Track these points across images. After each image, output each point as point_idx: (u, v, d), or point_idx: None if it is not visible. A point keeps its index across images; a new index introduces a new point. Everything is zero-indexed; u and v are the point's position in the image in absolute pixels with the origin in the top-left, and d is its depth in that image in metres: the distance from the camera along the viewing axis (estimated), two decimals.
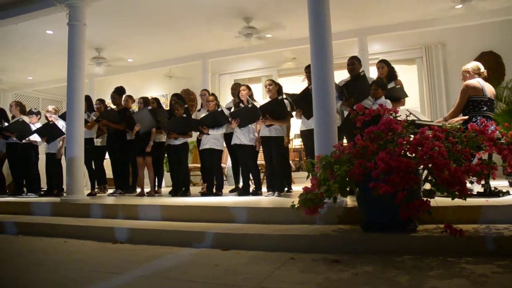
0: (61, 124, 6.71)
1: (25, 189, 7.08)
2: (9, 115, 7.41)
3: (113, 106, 6.71)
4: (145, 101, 6.31)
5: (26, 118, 7.02)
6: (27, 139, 6.86)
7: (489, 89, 4.23)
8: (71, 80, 5.48)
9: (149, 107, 6.12)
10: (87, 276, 2.57)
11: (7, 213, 5.31)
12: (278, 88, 5.32)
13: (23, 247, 3.67)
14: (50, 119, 6.85)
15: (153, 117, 5.96)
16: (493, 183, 4.05)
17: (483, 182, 3.55)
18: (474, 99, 4.16)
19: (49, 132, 6.66)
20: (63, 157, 6.58)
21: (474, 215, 3.14)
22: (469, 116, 4.16)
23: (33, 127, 6.89)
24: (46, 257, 3.20)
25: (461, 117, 4.27)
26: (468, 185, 2.97)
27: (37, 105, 11.12)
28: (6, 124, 7.13)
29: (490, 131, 3.18)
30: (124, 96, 6.74)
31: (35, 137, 6.91)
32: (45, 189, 7.00)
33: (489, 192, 3.83)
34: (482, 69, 4.38)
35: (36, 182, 7.08)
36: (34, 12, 5.98)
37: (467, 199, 2.83)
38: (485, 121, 3.52)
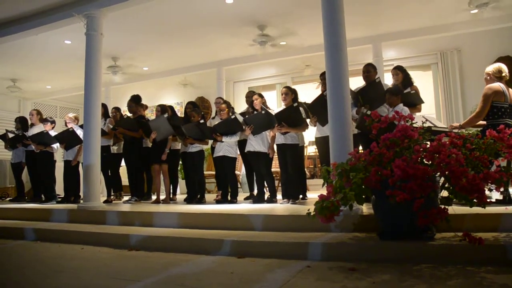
0: (79, 132, 6.79)
1: (43, 196, 7.19)
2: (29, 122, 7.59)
3: (129, 114, 6.78)
4: (162, 109, 6.37)
5: (41, 126, 7.14)
6: (44, 147, 6.95)
7: (510, 94, 3.99)
8: (88, 89, 5.60)
9: (166, 115, 6.17)
10: (104, 283, 2.60)
11: (26, 219, 5.40)
12: (294, 96, 5.30)
13: (42, 253, 3.73)
14: (68, 125, 6.93)
15: (170, 125, 6.02)
16: None
17: (502, 189, 3.48)
18: (495, 105, 3.91)
19: (68, 138, 6.70)
20: (80, 164, 6.68)
21: (493, 223, 3.09)
22: (487, 123, 3.97)
23: None
24: (64, 264, 3.24)
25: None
26: (487, 192, 2.92)
27: (55, 113, 11.33)
28: (27, 132, 7.28)
29: (509, 137, 3.13)
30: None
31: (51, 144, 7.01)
32: (62, 196, 7.10)
33: (508, 200, 3.76)
34: (505, 72, 4.04)
35: (52, 188, 7.15)
36: (53, 23, 6.13)
37: (486, 207, 2.79)
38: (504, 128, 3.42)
